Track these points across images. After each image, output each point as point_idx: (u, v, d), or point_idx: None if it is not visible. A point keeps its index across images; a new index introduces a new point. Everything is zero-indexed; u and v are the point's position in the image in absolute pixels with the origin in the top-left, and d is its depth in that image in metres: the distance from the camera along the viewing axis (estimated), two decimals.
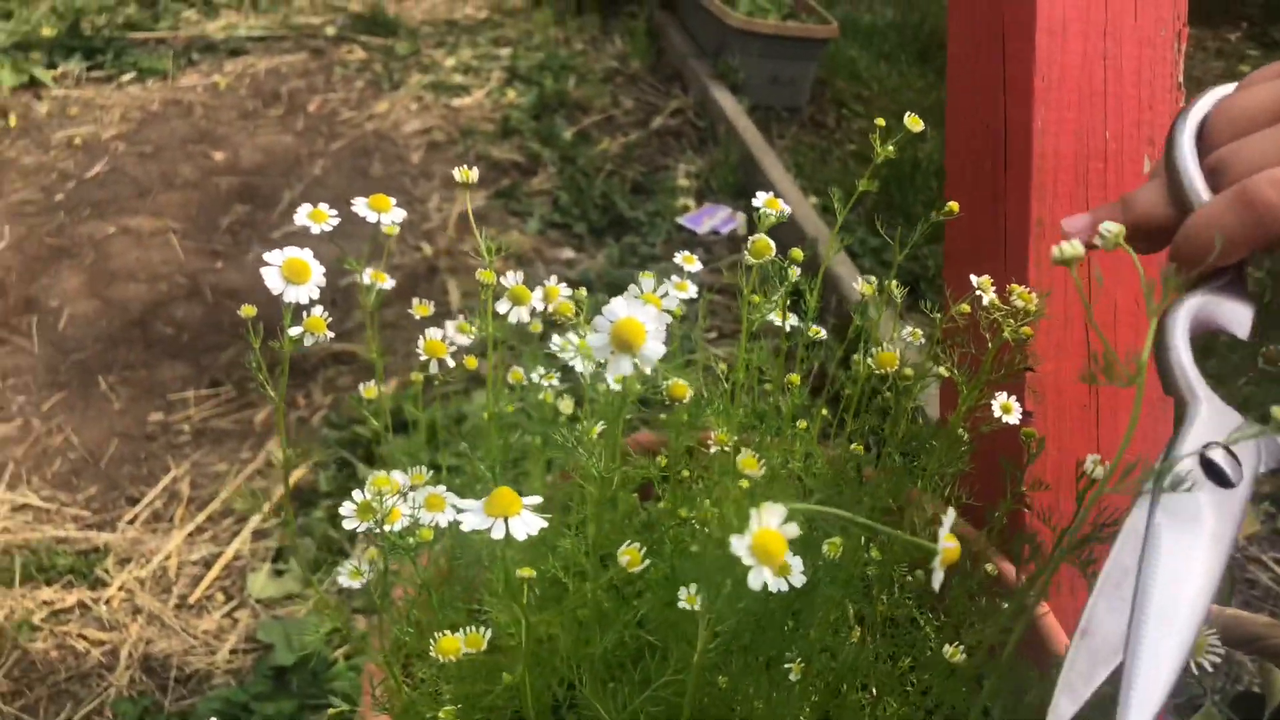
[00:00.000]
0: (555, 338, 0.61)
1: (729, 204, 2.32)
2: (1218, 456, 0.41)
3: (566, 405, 0.69)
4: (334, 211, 0.54)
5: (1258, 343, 0.46)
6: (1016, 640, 0.52)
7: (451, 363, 0.62)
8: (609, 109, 2.78)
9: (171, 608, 1.35)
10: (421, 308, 0.65)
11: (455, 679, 0.57)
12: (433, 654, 0.52)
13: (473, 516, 0.43)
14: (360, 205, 0.54)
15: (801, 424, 0.68)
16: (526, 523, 0.43)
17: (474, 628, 0.54)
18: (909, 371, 0.61)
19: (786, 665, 0.57)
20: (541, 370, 0.68)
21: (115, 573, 1.40)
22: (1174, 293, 0.44)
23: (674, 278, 0.62)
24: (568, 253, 2.16)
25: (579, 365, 0.53)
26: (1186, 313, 0.45)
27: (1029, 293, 0.58)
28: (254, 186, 2.38)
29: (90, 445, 1.63)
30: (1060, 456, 0.73)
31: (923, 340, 0.66)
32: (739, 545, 0.33)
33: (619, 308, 0.38)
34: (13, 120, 2.63)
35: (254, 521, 1.48)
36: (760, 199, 0.61)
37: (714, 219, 2.25)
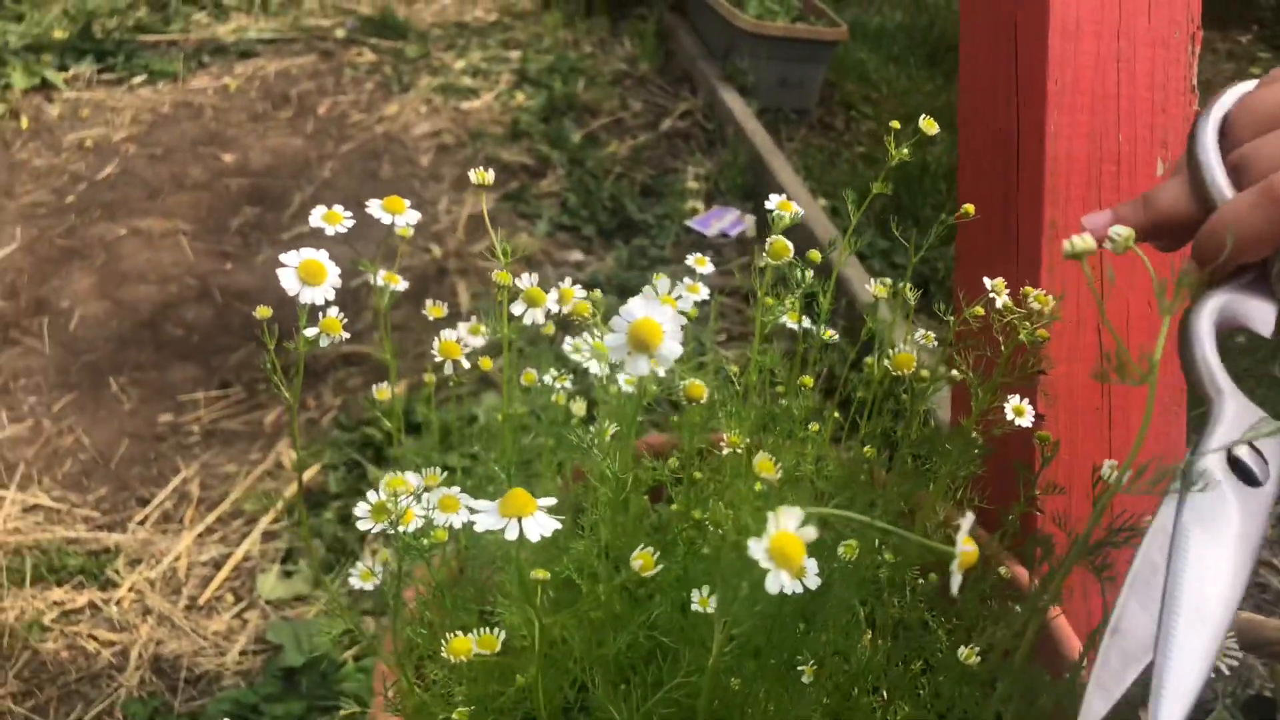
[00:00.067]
0: (568, 339, 0.61)
1: (738, 206, 2.32)
2: (1244, 454, 0.41)
3: (579, 407, 0.69)
4: (349, 213, 0.54)
5: None
6: (1030, 643, 0.52)
7: (467, 364, 0.62)
8: (618, 111, 2.78)
9: (181, 609, 1.36)
10: (435, 309, 0.65)
11: (468, 680, 0.58)
12: (445, 655, 0.52)
13: (487, 517, 0.43)
14: (375, 207, 0.54)
15: (814, 426, 0.68)
16: (540, 524, 0.43)
17: (486, 629, 0.54)
18: (925, 373, 0.60)
19: (799, 668, 0.57)
20: (554, 372, 0.68)
21: (125, 573, 1.40)
22: (1191, 292, 0.43)
23: (686, 280, 0.62)
24: (576, 255, 2.16)
25: (594, 367, 0.53)
26: (1211, 310, 0.45)
27: (1045, 294, 0.57)
28: (264, 188, 2.39)
29: (101, 446, 1.64)
30: (1073, 459, 0.73)
31: (935, 343, 0.65)
32: (757, 548, 0.33)
33: (636, 308, 0.38)
34: (24, 122, 2.65)
35: (264, 523, 1.49)
36: (773, 201, 0.61)
37: (723, 221, 2.24)
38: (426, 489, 0.55)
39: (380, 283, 0.61)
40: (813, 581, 0.48)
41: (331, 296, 0.48)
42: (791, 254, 0.60)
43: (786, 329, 0.67)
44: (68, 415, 1.70)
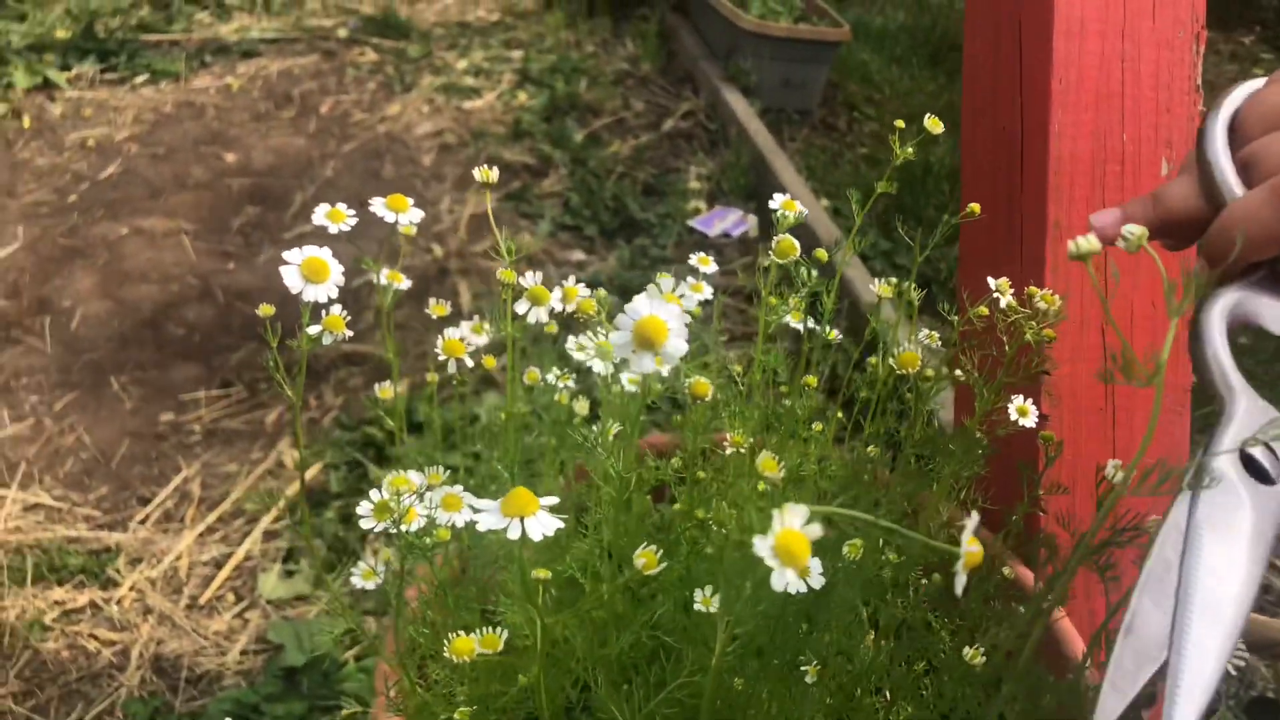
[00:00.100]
0: (571, 338, 0.61)
1: (740, 206, 2.32)
2: (1257, 452, 0.41)
3: (582, 406, 0.69)
4: (351, 211, 0.54)
5: None
6: (1036, 644, 0.52)
7: (471, 362, 0.62)
8: (620, 111, 2.78)
9: (182, 608, 1.36)
10: (439, 308, 0.65)
11: (470, 680, 0.57)
12: (447, 654, 0.52)
13: (489, 516, 0.43)
14: (378, 205, 0.54)
15: (817, 426, 0.68)
16: (543, 523, 0.43)
17: (489, 629, 0.54)
18: (930, 372, 0.60)
19: (802, 668, 0.57)
20: (557, 371, 0.68)
21: (126, 573, 1.40)
22: (1201, 290, 0.43)
23: (689, 279, 0.62)
24: (578, 255, 2.16)
25: (597, 365, 0.53)
26: (1222, 308, 0.44)
27: (1051, 294, 0.57)
28: (266, 188, 2.39)
29: (102, 445, 1.64)
30: (1076, 460, 0.73)
31: (939, 343, 0.65)
32: (762, 546, 0.32)
33: (641, 305, 0.38)
34: (27, 122, 2.65)
35: (265, 522, 1.49)
36: (777, 200, 0.61)
37: (725, 222, 2.24)
38: (429, 488, 0.54)
39: (384, 281, 0.61)
40: (817, 581, 0.48)
41: (334, 294, 0.48)
42: (799, 252, 0.60)
43: (790, 329, 0.67)
44: (69, 414, 1.70)
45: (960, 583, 0.34)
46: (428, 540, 0.53)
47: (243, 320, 1.94)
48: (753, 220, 2.26)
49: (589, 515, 0.62)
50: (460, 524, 0.53)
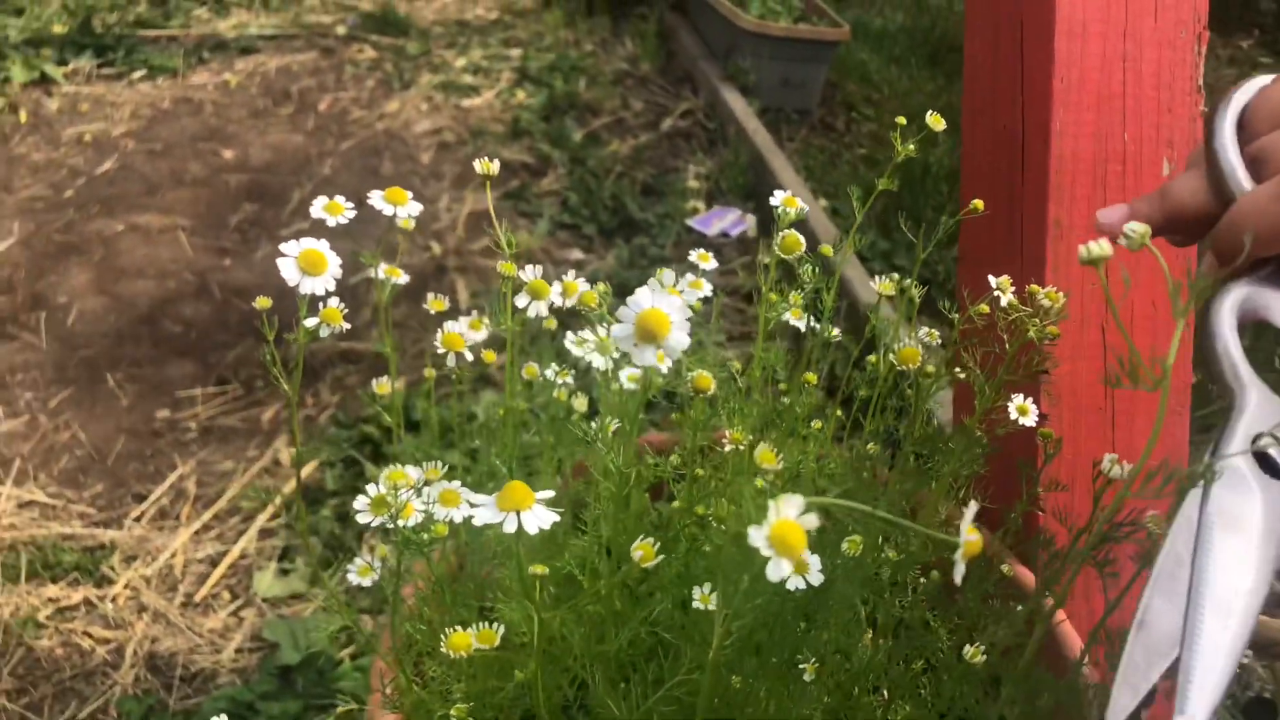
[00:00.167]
0: (570, 335, 0.61)
1: (739, 206, 2.32)
2: (1270, 448, 0.40)
3: (580, 403, 0.69)
4: (350, 204, 0.54)
5: None
6: (1037, 644, 0.52)
7: (470, 356, 0.62)
8: (619, 110, 2.78)
9: (177, 606, 1.35)
10: (437, 303, 0.65)
11: (466, 677, 0.57)
12: (444, 650, 0.52)
13: (486, 511, 0.43)
14: (376, 199, 0.54)
15: (816, 424, 0.68)
16: (539, 516, 0.42)
17: (486, 625, 0.53)
18: (930, 369, 0.60)
19: (800, 666, 0.56)
20: (556, 367, 0.68)
21: (121, 570, 1.40)
22: (1206, 294, 0.43)
23: (689, 275, 0.62)
24: (577, 254, 2.16)
25: (597, 361, 0.52)
26: (1233, 302, 0.44)
27: (1055, 292, 0.57)
28: (263, 185, 2.38)
29: (97, 442, 1.63)
30: (1076, 459, 0.73)
31: (939, 341, 0.65)
32: (757, 536, 0.32)
33: (643, 298, 0.37)
34: (23, 116, 2.64)
35: (260, 520, 1.48)
36: (778, 197, 0.61)
37: (724, 221, 2.24)
38: (426, 483, 0.54)
39: (381, 276, 0.61)
40: (816, 579, 0.47)
41: (332, 287, 0.48)
42: (804, 248, 0.59)
43: (789, 328, 0.66)
44: (64, 411, 1.69)
45: (959, 572, 0.33)
46: (425, 536, 0.53)
47: (239, 317, 1.93)
48: (751, 220, 2.26)
49: (587, 512, 0.62)
50: (458, 519, 0.52)
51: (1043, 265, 0.72)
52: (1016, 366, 0.59)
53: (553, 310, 0.60)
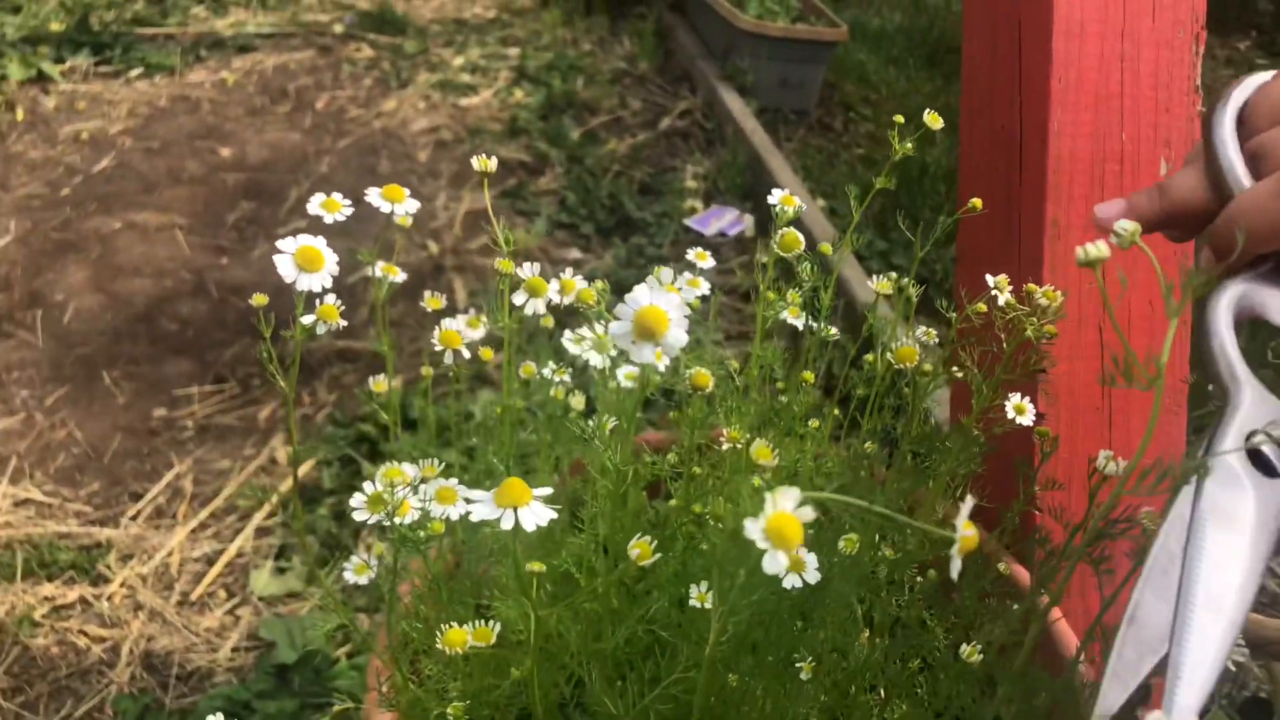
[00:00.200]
0: (568, 332, 0.61)
1: (736, 206, 2.32)
2: (1263, 445, 0.40)
3: (578, 401, 0.68)
4: (347, 201, 0.53)
5: None
6: (1032, 643, 0.52)
7: (467, 354, 0.62)
8: (617, 110, 2.78)
9: (173, 604, 1.35)
10: (434, 300, 0.64)
11: (463, 675, 0.57)
12: (440, 646, 0.52)
13: (483, 507, 0.43)
14: (374, 196, 0.54)
15: (814, 423, 0.68)
16: (536, 513, 0.42)
17: (482, 622, 0.53)
18: (928, 368, 0.60)
19: (797, 665, 0.56)
20: (553, 365, 0.68)
21: (117, 569, 1.39)
22: (1200, 292, 0.43)
23: (686, 274, 0.62)
24: (574, 253, 2.16)
25: (594, 359, 0.52)
26: (1229, 300, 0.44)
27: (1053, 291, 0.57)
28: (261, 183, 2.38)
29: (93, 440, 1.63)
30: (1073, 459, 0.73)
31: (936, 340, 0.65)
32: (753, 529, 0.32)
33: (642, 295, 0.37)
34: (20, 114, 2.63)
35: (257, 518, 1.48)
36: (776, 195, 0.61)
37: (721, 221, 2.24)
38: (423, 480, 0.54)
39: (379, 274, 0.60)
40: (812, 577, 0.47)
41: (329, 284, 0.48)
42: (803, 246, 0.59)
43: (787, 327, 0.66)
44: (61, 409, 1.69)
45: (955, 567, 0.33)
46: (421, 534, 0.53)
47: (236, 315, 1.93)
48: (749, 219, 2.26)
49: (584, 510, 0.62)
50: (454, 517, 0.52)
51: (1040, 265, 0.72)
52: (1014, 366, 0.59)
53: (550, 308, 0.60)
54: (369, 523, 0.53)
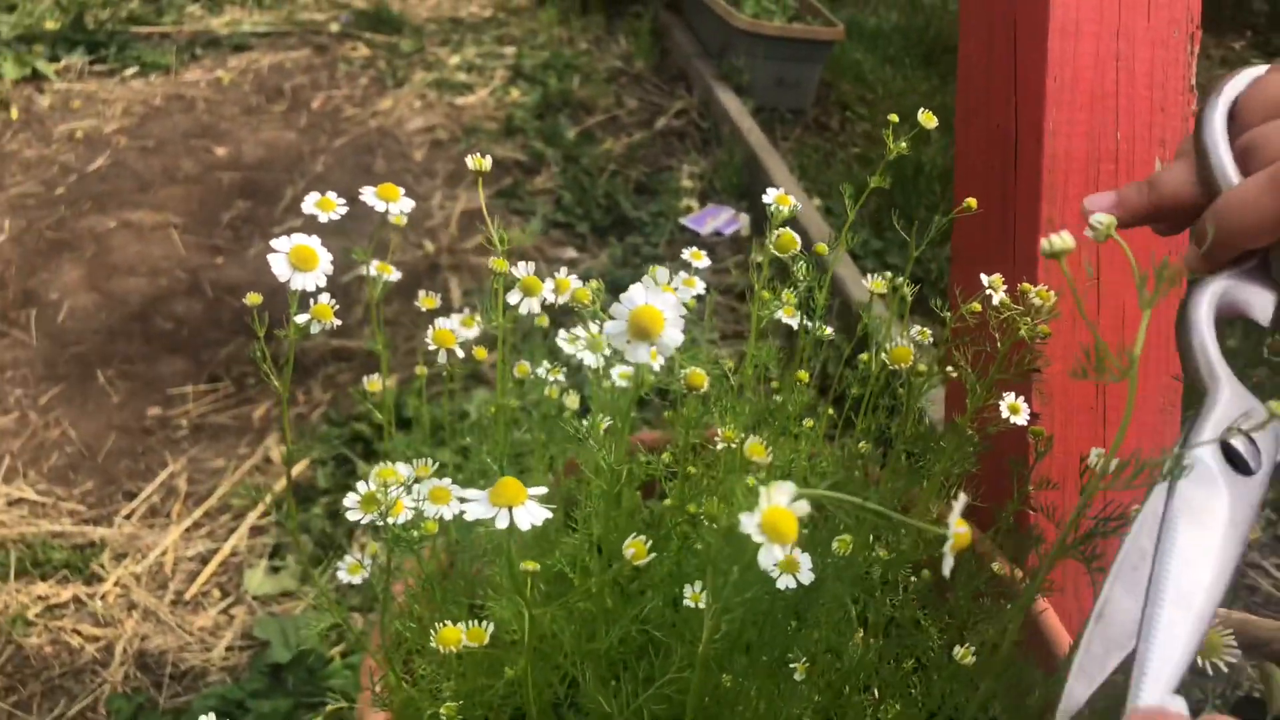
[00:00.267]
0: (562, 332, 0.60)
1: (732, 205, 2.32)
2: (1237, 443, 0.40)
3: (572, 401, 0.68)
4: (342, 200, 0.53)
5: (1273, 330, 0.45)
6: (1013, 635, 0.52)
7: (461, 352, 0.62)
8: (613, 109, 2.78)
9: (167, 604, 1.35)
10: (428, 300, 0.64)
11: (456, 674, 0.57)
12: (434, 645, 0.51)
13: (478, 506, 0.42)
14: (369, 195, 0.54)
15: (808, 422, 0.68)
16: (531, 512, 0.42)
17: (475, 622, 0.53)
18: (922, 367, 0.60)
19: (791, 665, 0.56)
20: (548, 365, 0.68)
21: (111, 568, 1.39)
22: (1175, 283, 0.43)
23: (682, 274, 0.61)
24: (570, 252, 2.16)
25: (588, 358, 0.52)
26: (1211, 297, 0.44)
27: (1047, 291, 0.57)
28: (256, 182, 2.37)
29: (88, 439, 1.63)
30: (1067, 458, 0.73)
31: (931, 339, 0.65)
32: (748, 523, 0.32)
33: (637, 294, 0.37)
34: (14, 113, 2.63)
35: (251, 517, 1.48)
36: (771, 195, 0.61)
37: (717, 220, 2.24)
38: (417, 480, 0.54)
39: (373, 273, 0.60)
40: (806, 576, 0.47)
41: (323, 283, 0.48)
42: (799, 246, 0.59)
43: (781, 326, 0.66)
44: (55, 408, 1.69)
45: (948, 564, 0.33)
46: (415, 533, 0.53)
47: (231, 315, 1.93)
48: (744, 219, 2.26)
49: (579, 510, 0.62)
50: (448, 517, 0.52)
51: (1035, 264, 0.72)
52: (1008, 365, 0.59)
53: (545, 308, 0.60)
54: (363, 522, 0.53)
